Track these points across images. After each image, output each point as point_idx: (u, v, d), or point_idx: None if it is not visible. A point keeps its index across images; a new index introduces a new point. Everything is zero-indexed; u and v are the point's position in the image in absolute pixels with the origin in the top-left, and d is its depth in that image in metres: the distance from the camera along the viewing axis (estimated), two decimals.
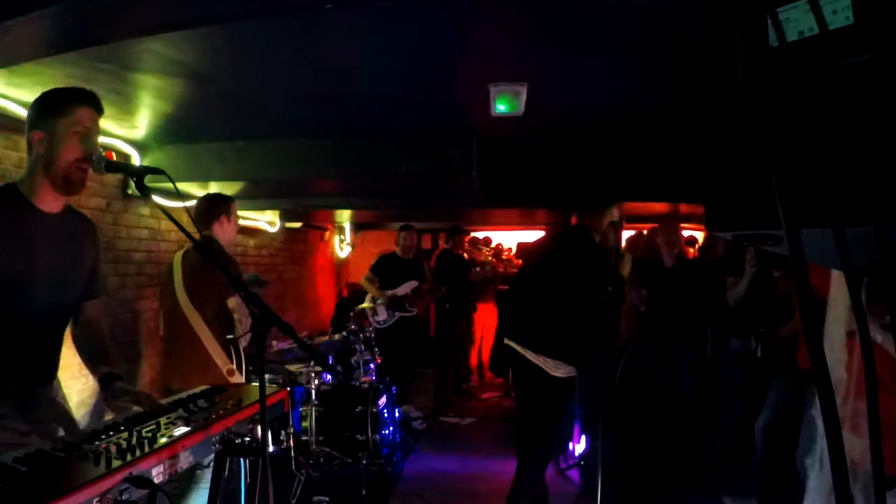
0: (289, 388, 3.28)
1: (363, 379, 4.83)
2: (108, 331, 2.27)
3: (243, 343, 3.18)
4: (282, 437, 3.85)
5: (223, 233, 3.29)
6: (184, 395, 2.20)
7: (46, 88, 2.00)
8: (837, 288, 2.10)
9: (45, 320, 1.98)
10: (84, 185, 1.98)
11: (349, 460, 4.36)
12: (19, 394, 1.84)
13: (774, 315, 3.87)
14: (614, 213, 3.48)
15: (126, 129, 3.91)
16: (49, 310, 1.98)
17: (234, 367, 3.09)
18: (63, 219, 2.02)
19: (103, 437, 1.66)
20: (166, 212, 1.90)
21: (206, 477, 2.74)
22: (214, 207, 3.30)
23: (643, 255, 5.02)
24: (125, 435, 1.67)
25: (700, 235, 6.33)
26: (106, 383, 2.03)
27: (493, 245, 8.36)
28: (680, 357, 4.50)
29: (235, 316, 3.09)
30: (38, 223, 1.93)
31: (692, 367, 4.48)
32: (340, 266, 10.29)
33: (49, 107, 1.93)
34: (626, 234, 5.79)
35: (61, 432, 1.77)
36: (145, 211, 4.64)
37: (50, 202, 1.96)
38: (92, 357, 2.15)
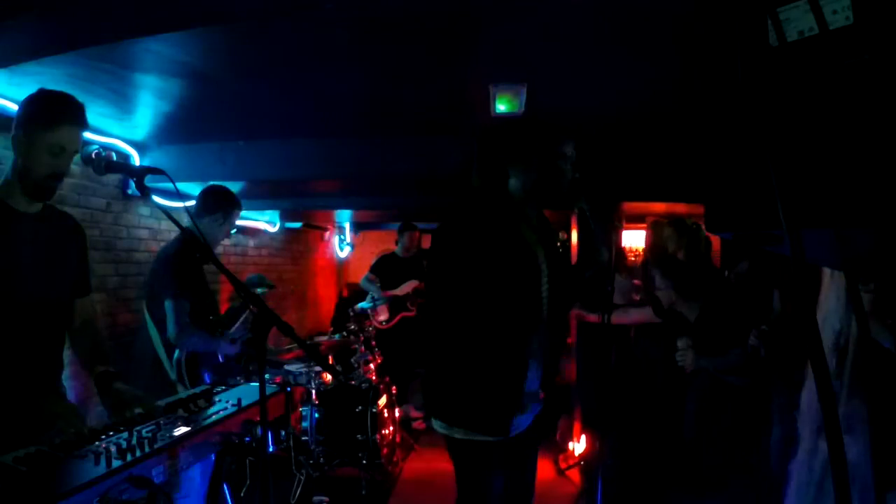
0: (289, 388, 3.25)
1: (363, 378, 4.83)
2: (104, 329, 2.25)
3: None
4: (282, 437, 3.85)
5: (210, 228, 3.22)
6: (184, 395, 2.20)
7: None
8: (827, 291, 2.10)
9: (39, 321, 1.97)
10: (54, 194, 1.97)
11: (349, 460, 4.36)
12: (27, 393, 1.83)
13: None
14: None
15: (126, 129, 3.91)
16: (40, 310, 1.97)
17: (176, 380, 2.88)
18: (42, 218, 2.01)
19: (103, 437, 1.67)
20: (166, 212, 1.90)
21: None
22: (218, 204, 3.28)
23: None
24: (125, 435, 1.67)
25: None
26: (103, 383, 2.01)
27: None
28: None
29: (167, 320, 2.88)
30: (14, 224, 1.92)
31: None
32: (340, 266, 10.28)
33: (35, 115, 1.92)
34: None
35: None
36: (145, 211, 4.63)
37: (27, 204, 1.95)
38: (87, 356, 2.13)
